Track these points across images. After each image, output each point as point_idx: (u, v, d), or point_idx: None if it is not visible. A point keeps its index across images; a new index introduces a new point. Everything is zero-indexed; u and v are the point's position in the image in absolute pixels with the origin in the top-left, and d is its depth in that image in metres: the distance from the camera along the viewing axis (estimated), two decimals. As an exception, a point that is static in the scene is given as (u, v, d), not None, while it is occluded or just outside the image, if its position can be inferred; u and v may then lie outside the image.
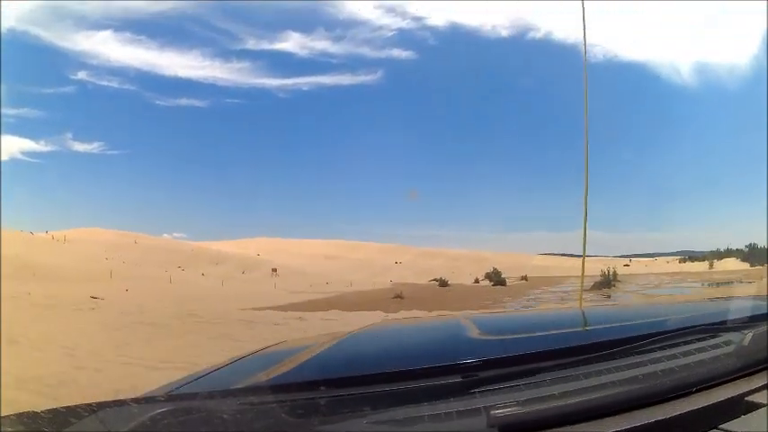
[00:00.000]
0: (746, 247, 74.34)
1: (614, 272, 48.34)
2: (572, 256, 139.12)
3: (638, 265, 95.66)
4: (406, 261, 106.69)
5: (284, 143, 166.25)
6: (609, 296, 37.16)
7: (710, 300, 2.43)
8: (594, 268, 66.70)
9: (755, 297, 2.02)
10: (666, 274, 71.32)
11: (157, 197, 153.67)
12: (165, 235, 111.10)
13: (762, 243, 70.71)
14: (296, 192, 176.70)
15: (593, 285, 49.85)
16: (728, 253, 78.96)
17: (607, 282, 47.23)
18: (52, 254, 61.00)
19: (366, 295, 47.87)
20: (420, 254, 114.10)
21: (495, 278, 66.22)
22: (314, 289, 55.95)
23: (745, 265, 66.89)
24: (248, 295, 42.68)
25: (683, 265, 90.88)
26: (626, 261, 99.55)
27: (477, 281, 71.83)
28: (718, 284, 50.29)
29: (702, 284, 51.10)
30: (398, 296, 44.31)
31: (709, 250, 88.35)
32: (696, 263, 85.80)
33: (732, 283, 49.45)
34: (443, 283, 63.49)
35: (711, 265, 73.55)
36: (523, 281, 72.63)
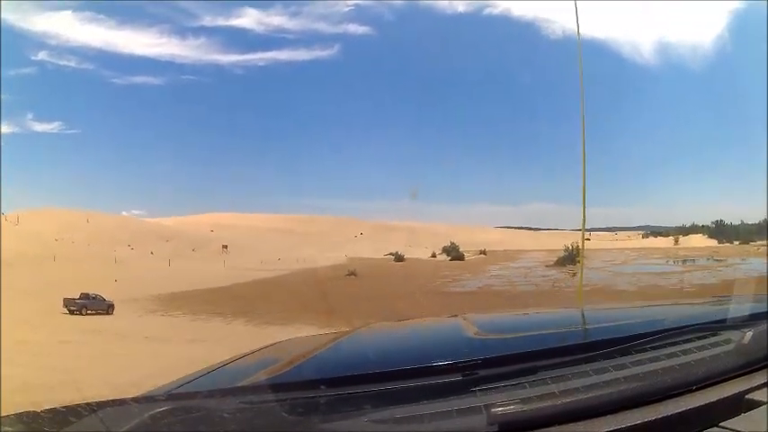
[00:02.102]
0: (713, 223, 75.10)
1: (578, 246, 44.35)
2: (528, 229, 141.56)
3: (600, 240, 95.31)
4: (361, 235, 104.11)
5: (240, 118, 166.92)
6: (574, 273, 34.05)
7: (711, 298, 2.21)
8: (555, 242, 65.50)
9: (755, 295, 1.89)
10: (632, 249, 70.90)
11: (116, 175, 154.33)
12: (124, 212, 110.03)
13: (728, 220, 72.97)
14: (253, 166, 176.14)
15: (557, 261, 46.97)
16: (694, 229, 79.09)
17: (571, 257, 44.02)
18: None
19: (317, 273, 45.07)
20: (376, 227, 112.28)
21: (453, 253, 64.03)
22: (264, 266, 52.61)
23: (713, 242, 67.67)
24: (194, 275, 39.28)
25: (645, 240, 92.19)
26: (587, 235, 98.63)
27: (434, 255, 70.39)
28: (688, 261, 48.64)
29: (673, 261, 48.97)
30: (352, 273, 40.64)
31: (672, 226, 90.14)
32: (660, 238, 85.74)
33: (704, 259, 48.10)
34: (399, 258, 61.41)
35: (677, 241, 73.10)
36: (482, 255, 71.00)
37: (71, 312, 22.02)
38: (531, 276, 38.10)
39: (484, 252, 74.02)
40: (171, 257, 57.29)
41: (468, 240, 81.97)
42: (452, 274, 41.47)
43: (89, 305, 22.68)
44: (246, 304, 23.78)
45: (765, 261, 33.92)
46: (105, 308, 23.18)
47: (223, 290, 31.37)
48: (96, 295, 23.65)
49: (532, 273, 41.06)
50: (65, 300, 22.45)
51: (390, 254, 66.59)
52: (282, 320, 18.77)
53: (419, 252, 73.42)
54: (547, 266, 46.02)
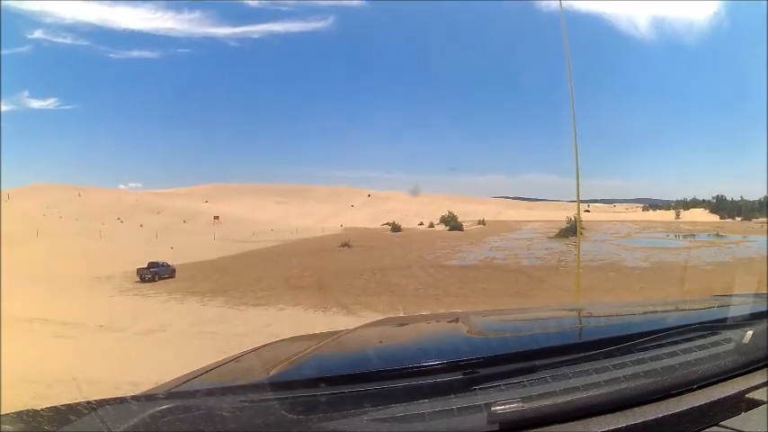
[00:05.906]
0: (714, 198, 74.83)
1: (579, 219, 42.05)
2: (525, 199, 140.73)
3: (598, 211, 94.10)
4: (357, 204, 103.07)
5: (235, 90, 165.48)
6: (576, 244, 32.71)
7: (711, 297, 2.20)
8: (555, 215, 64.20)
9: (755, 294, 1.93)
10: (633, 221, 69.75)
11: (111, 148, 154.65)
12: (121, 186, 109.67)
13: (729, 195, 72.74)
14: (250, 137, 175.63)
15: (559, 233, 45.35)
16: (694, 203, 78.54)
17: (573, 229, 42.36)
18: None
19: (309, 244, 43.35)
20: (373, 197, 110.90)
21: (452, 223, 62.45)
22: (256, 237, 50.59)
23: (714, 217, 67.40)
24: (180, 248, 37.18)
25: (646, 213, 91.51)
26: (585, 207, 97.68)
27: (431, 225, 68.89)
28: (693, 235, 47.26)
29: (678, 236, 47.47)
30: (345, 245, 38.81)
31: (671, 199, 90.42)
32: (660, 211, 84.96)
33: (707, 234, 46.76)
34: (396, 228, 59.75)
35: (678, 215, 72.22)
36: (481, 225, 69.58)
37: (143, 280, 22.77)
38: (534, 248, 36.44)
39: (483, 222, 72.76)
40: (161, 230, 54.65)
41: (466, 210, 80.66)
42: (451, 245, 39.78)
43: (160, 272, 24.16)
44: (228, 281, 22.02)
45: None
46: (170, 272, 24.93)
47: (207, 264, 29.70)
48: (163, 262, 25.34)
49: (534, 245, 39.40)
50: (138, 270, 23.62)
51: (387, 224, 65.42)
52: (264, 301, 17.08)
53: (416, 222, 71.95)
54: (549, 238, 44.37)
